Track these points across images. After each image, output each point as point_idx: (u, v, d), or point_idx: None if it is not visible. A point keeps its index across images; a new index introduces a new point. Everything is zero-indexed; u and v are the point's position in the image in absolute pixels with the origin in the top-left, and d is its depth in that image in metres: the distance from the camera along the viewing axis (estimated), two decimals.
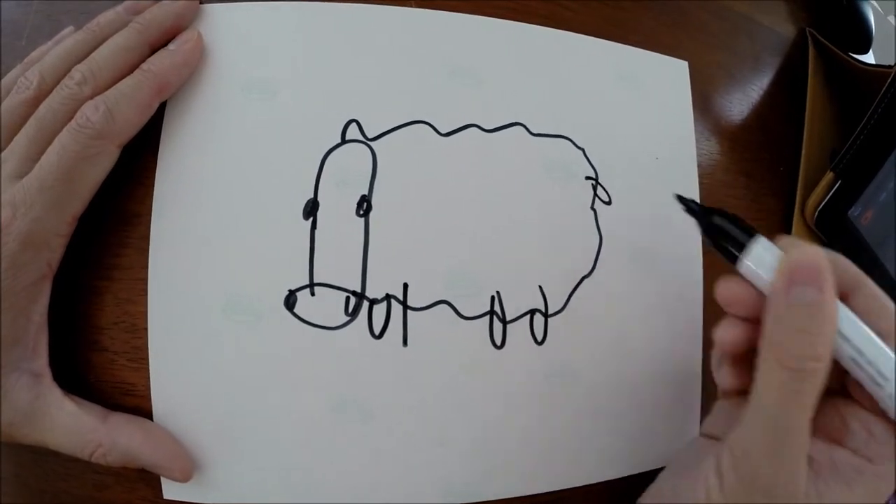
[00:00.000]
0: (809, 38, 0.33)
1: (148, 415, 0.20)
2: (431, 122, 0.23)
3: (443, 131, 0.23)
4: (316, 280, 0.21)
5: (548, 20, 0.25)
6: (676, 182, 0.27)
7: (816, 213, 0.29)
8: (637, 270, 0.25)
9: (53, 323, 0.19)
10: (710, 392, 0.27)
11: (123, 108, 0.19)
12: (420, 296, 0.22)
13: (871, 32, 0.35)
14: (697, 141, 0.27)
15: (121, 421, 0.19)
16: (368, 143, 0.22)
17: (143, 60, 0.20)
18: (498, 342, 0.23)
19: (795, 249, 0.17)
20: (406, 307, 0.22)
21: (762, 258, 0.18)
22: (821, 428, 0.18)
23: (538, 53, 0.25)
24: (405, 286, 0.22)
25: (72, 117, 0.18)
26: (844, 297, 0.18)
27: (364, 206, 0.21)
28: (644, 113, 0.26)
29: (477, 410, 0.22)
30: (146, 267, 0.20)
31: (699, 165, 0.27)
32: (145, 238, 0.20)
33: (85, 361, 0.21)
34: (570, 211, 0.24)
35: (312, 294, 0.21)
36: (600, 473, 0.24)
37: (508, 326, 0.23)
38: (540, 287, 0.23)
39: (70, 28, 0.22)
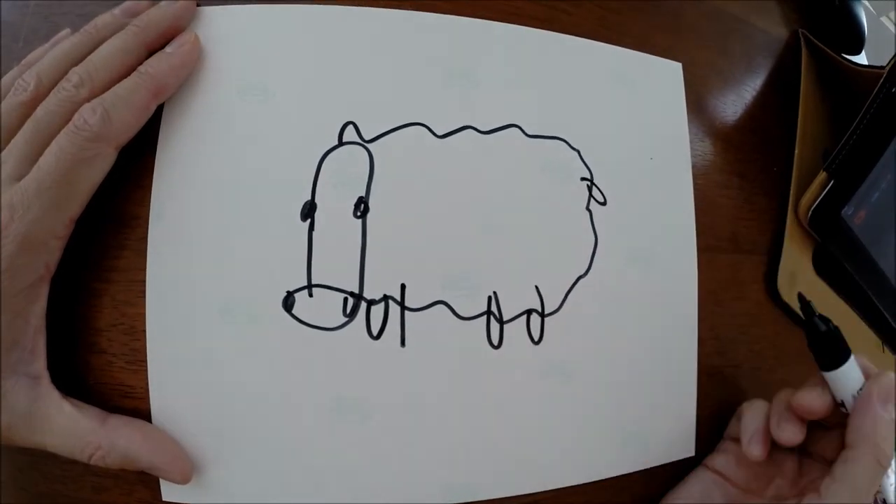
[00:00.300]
0: (802, 40, 0.33)
1: (146, 417, 0.20)
2: (428, 124, 0.23)
3: (439, 133, 0.23)
4: (314, 281, 0.21)
5: (543, 23, 0.25)
6: (670, 182, 0.27)
7: (810, 213, 0.29)
8: (632, 270, 0.26)
9: (51, 325, 0.19)
10: (705, 391, 0.27)
11: (121, 111, 0.19)
12: (417, 296, 0.22)
13: (864, 33, 0.35)
14: (691, 142, 0.28)
15: (119, 423, 0.19)
16: (365, 145, 0.22)
17: (140, 63, 0.20)
18: (495, 342, 0.23)
19: (883, 375, 0.22)
20: (404, 308, 0.22)
21: (850, 373, 0.22)
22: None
23: (533, 56, 0.25)
24: (403, 287, 0.22)
25: (69, 119, 0.18)
26: None
27: (361, 208, 0.22)
28: (638, 114, 0.27)
29: (474, 410, 0.23)
30: (144, 269, 0.20)
31: (693, 166, 0.28)
32: (143, 240, 0.20)
33: (83, 364, 0.21)
34: (565, 211, 0.24)
35: (310, 295, 0.21)
36: (597, 472, 0.25)
37: (505, 326, 0.23)
38: (536, 287, 0.24)
39: (67, 30, 0.22)
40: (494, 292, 0.23)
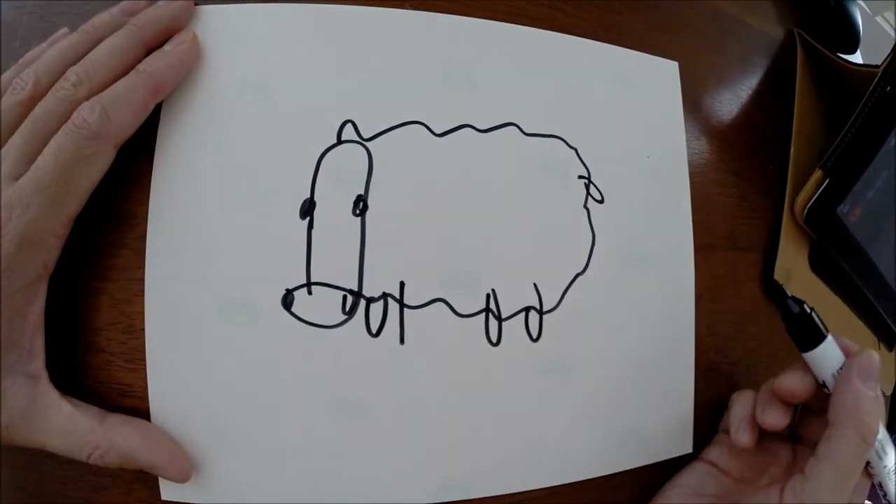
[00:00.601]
0: (797, 39, 0.33)
1: (145, 415, 0.20)
2: (426, 123, 0.23)
3: (437, 131, 0.23)
4: (313, 279, 0.21)
5: (541, 22, 0.25)
6: (667, 181, 0.27)
7: (806, 211, 0.29)
8: (630, 268, 0.26)
9: (50, 324, 0.19)
10: (702, 389, 0.27)
11: (119, 109, 0.19)
12: (416, 294, 0.22)
13: (859, 33, 0.35)
14: (688, 140, 0.28)
15: (118, 422, 0.19)
16: (364, 143, 0.22)
17: (138, 62, 0.20)
18: (494, 339, 0.23)
19: (863, 353, 0.23)
20: (403, 305, 0.22)
21: (829, 353, 0.23)
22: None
23: (531, 55, 0.25)
24: (402, 284, 0.22)
25: (67, 118, 0.18)
26: None
27: (360, 206, 0.22)
28: (635, 113, 0.27)
29: (473, 407, 0.23)
30: (143, 267, 0.20)
31: (690, 164, 0.28)
32: (142, 239, 0.20)
33: (82, 363, 0.21)
34: (563, 209, 0.25)
35: (310, 293, 0.21)
36: (594, 469, 0.25)
37: (504, 324, 0.23)
38: (535, 285, 0.24)
39: (65, 29, 0.22)
40: (493, 290, 0.23)
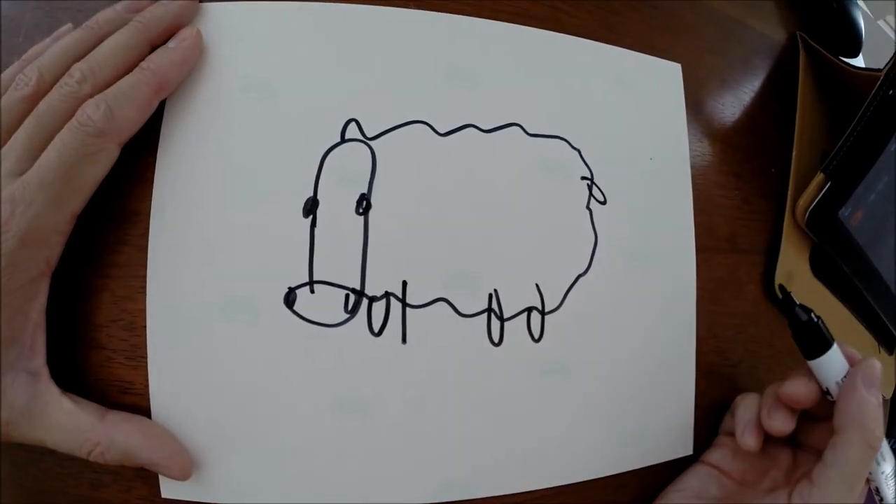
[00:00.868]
0: (800, 42, 0.33)
1: (146, 413, 0.20)
2: (430, 122, 0.23)
3: (441, 131, 0.23)
4: (316, 278, 0.21)
5: (544, 23, 0.25)
6: (669, 182, 0.27)
7: (807, 214, 0.29)
8: (631, 269, 0.26)
9: (51, 321, 0.19)
10: (702, 390, 0.27)
11: (124, 107, 0.19)
12: (419, 293, 0.22)
13: (861, 36, 0.35)
14: (690, 142, 0.28)
15: (118, 419, 0.19)
16: (368, 142, 0.22)
17: (142, 59, 0.20)
18: (496, 339, 0.23)
19: (867, 361, 0.23)
20: (405, 305, 0.22)
21: (834, 361, 0.23)
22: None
23: (535, 55, 0.25)
24: (404, 284, 0.22)
25: (71, 115, 0.18)
26: None
27: (363, 205, 0.22)
28: (638, 114, 0.27)
29: (474, 407, 0.23)
30: (144, 265, 0.20)
31: (692, 166, 0.28)
32: (144, 236, 0.20)
33: (82, 360, 0.21)
34: (566, 210, 0.25)
35: (312, 291, 0.21)
36: (595, 469, 0.25)
37: (506, 324, 0.23)
38: (537, 285, 0.24)
39: (69, 25, 0.22)
40: (495, 290, 0.23)
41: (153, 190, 0.21)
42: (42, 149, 0.18)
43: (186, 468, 0.20)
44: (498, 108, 0.24)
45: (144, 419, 0.20)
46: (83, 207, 0.19)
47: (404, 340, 0.22)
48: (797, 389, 0.23)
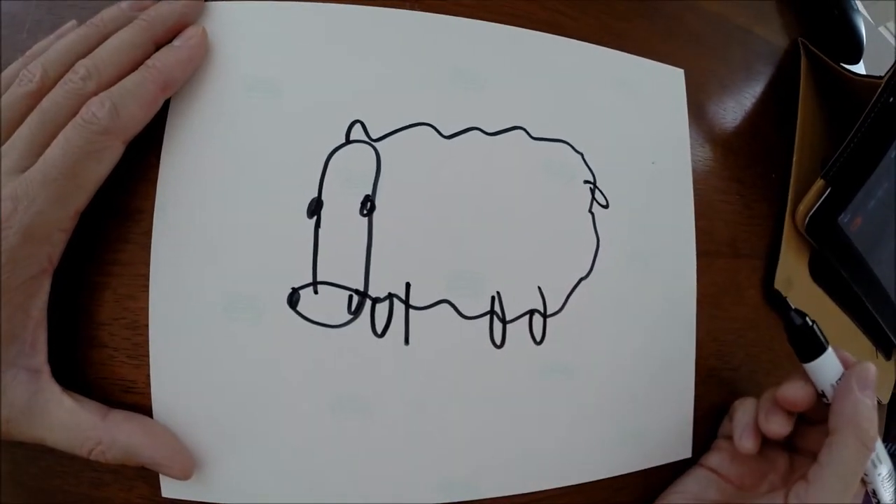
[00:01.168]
0: (802, 49, 0.34)
1: (148, 412, 0.20)
2: (434, 125, 0.23)
3: (445, 133, 0.23)
4: (319, 278, 0.21)
5: (549, 27, 0.25)
6: (671, 187, 0.27)
7: (807, 220, 0.29)
8: (633, 273, 0.26)
9: (52, 318, 0.19)
10: (702, 395, 0.27)
11: (129, 105, 0.19)
12: (422, 295, 0.22)
13: (862, 42, 0.35)
14: (692, 147, 0.28)
15: (120, 418, 0.19)
16: (372, 143, 0.22)
17: (147, 57, 0.20)
18: (498, 341, 0.23)
19: (861, 364, 0.23)
20: (408, 306, 0.22)
21: (828, 364, 0.23)
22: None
23: (539, 59, 0.25)
24: (407, 285, 0.22)
25: (76, 112, 0.18)
26: None
27: (368, 206, 0.22)
28: (641, 119, 0.27)
29: (476, 409, 0.23)
30: (147, 263, 0.20)
31: (693, 171, 0.28)
32: (147, 234, 0.20)
33: (84, 358, 0.20)
34: (568, 213, 0.25)
35: (315, 292, 0.21)
36: (595, 471, 0.25)
37: (508, 326, 0.23)
38: (539, 288, 0.24)
39: (73, 22, 0.22)
40: (498, 292, 0.23)
41: (157, 188, 0.20)
42: (45, 146, 0.18)
43: (188, 468, 0.20)
44: (502, 112, 0.24)
45: (146, 418, 0.20)
46: (86, 205, 0.19)
47: (407, 342, 0.22)
48: (793, 392, 0.23)
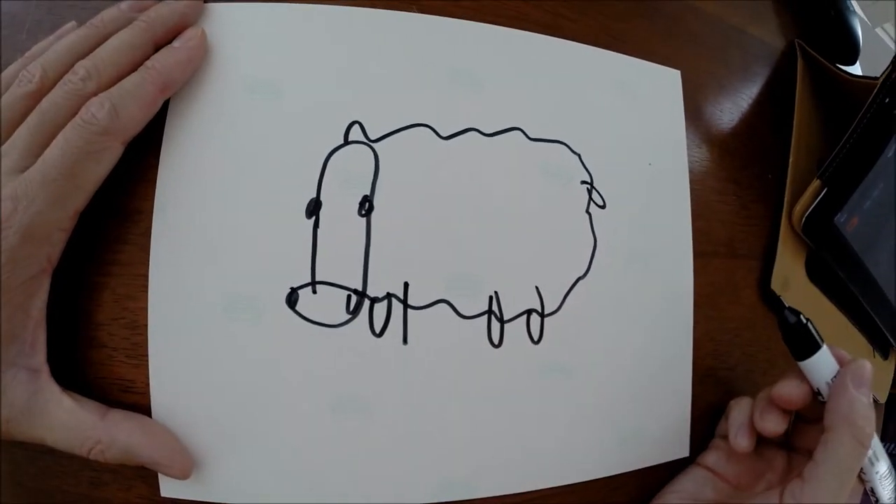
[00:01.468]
0: (798, 50, 0.34)
1: (147, 412, 0.20)
2: (432, 126, 0.23)
3: (443, 134, 0.23)
4: (318, 278, 0.21)
5: (547, 29, 0.25)
6: (668, 187, 0.27)
7: (803, 220, 0.30)
8: (630, 273, 0.26)
9: (52, 318, 0.19)
10: (699, 394, 0.27)
11: (128, 106, 0.19)
12: (420, 295, 0.22)
13: (859, 44, 0.36)
14: (689, 148, 0.28)
15: (119, 417, 0.19)
16: (371, 144, 0.22)
17: (146, 58, 0.20)
18: (496, 341, 0.23)
19: (857, 361, 0.23)
20: (406, 306, 0.22)
21: (823, 361, 0.24)
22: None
23: (537, 60, 0.25)
24: (406, 285, 0.22)
25: (75, 113, 0.18)
26: None
27: (366, 206, 0.22)
28: (638, 120, 0.27)
29: (474, 408, 0.23)
30: (146, 263, 0.20)
31: (690, 172, 0.28)
32: (146, 235, 0.20)
33: (83, 358, 0.20)
34: (565, 214, 0.25)
35: (314, 292, 0.21)
36: (593, 471, 0.25)
37: (506, 326, 0.23)
38: (536, 288, 0.24)
39: (72, 23, 0.22)
40: (496, 292, 0.23)
41: (156, 188, 0.21)
42: (45, 146, 0.18)
43: (187, 467, 0.20)
44: (500, 113, 0.24)
45: (145, 418, 0.20)
46: (85, 205, 0.19)
47: (405, 341, 0.22)
48: (789, 390, 0.24)
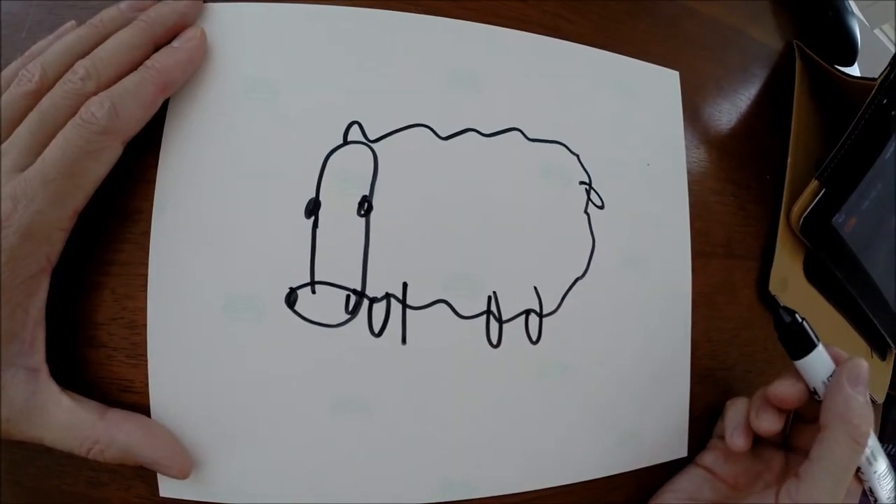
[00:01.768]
0: (797, 51, 0.34)
1: (146, 411, 0.20)
2: (431, 126, 0.23)
3: (442, 135, 0.23)
4: (317, 278, 0.21)
5: (546, 29, 0.25)
6: (667, 188, 0.28)
7: (802, 220, 0.30)
8: (628, 273, 0.26)
9: (51, 318, 0.19)
10: (697, 394, 0.28)
11: (128, 105, 0.19)
12: (419, 295, 0.22)
13: (857, 45, 0.36)
14: (687, 148, 0.28)
15: (119, 417, 0.19)
16: (370, 144, 0.22)
17: (146, 58, 0.20)
18: (494, 341, 0.23)
19: (853, 360, 0.23)
20: (405, 306, 0.22)
21: (819, 361, 0.24)
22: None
23: (536, 61, 0.25)
24: (405, 285, 0.22)
25: (75, 112, 0.18)
26: None
27: (365, 207, 0.22)
28: (636, 120, 0.27)
29: (473, 408, 0.23)
30: (145, 263, 0.20)
31: (689, 172, 0.28)
32: (146, 234, 0.20)
33: (83, 357, 0.20)
34: (564, 214, 0.25)
35: (313, 292, 0.21)
36: (592, 471, 0.25)
37: (504, 326, 0.23)
38: (535, 288, 0.24)
39: (72, 23, 0.22)
40: (494, 292, 0.23)
41: (155, 188, 0.21)
42: (44, 145, 0.18)
43: (186, 467, 0.20)
44: (499, 113, 0.24)
45: (144, 418, 0.20)
46: (85, 204, 0.19)
47: (404, 341, 0.22)
48: (784, 390, 0.24)
